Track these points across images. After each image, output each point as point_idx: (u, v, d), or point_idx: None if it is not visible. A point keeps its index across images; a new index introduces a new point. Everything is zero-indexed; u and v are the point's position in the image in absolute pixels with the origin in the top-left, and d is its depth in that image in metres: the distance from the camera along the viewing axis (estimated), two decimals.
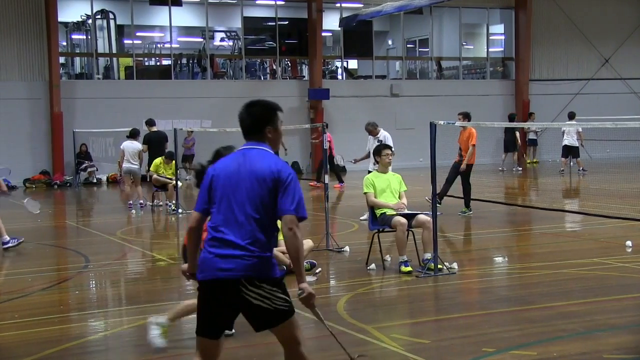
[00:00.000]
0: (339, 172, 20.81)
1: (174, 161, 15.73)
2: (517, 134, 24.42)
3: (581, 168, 21.88)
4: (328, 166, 21.90)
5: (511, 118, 24.95)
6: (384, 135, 13.81)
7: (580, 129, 21.35)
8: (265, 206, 4.15)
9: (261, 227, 4.15)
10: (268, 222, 4.17)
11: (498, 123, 21.55)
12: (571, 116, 22.27)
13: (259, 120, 4.31)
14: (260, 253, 4.14)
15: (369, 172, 13.00)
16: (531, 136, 27.30)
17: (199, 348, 4.26)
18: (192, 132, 22.14)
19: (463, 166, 13.66)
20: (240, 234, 4.12)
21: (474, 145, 13.72)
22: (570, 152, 21.86)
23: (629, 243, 10.22)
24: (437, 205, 13.55)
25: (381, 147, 9.63)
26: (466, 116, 14.06)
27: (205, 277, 4.18)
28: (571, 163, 22.52)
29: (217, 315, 4.20)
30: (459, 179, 13.75)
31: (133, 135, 16.59)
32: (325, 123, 12.19)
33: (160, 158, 15.84)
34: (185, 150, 22.96)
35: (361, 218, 13.22)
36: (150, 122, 17.13)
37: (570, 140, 21.64)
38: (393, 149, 9.84)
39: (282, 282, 4.29)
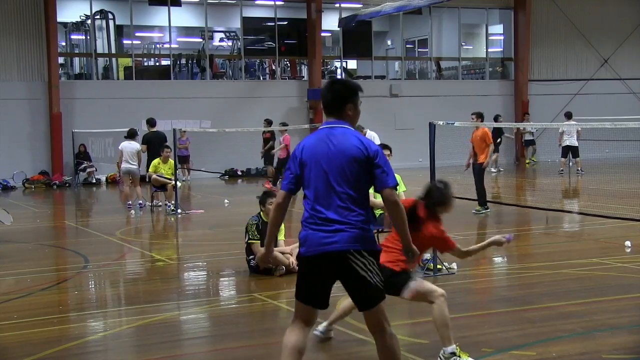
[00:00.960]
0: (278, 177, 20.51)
1: (172, 161, 15.73)
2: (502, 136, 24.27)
3: (579, 168, 21.88)
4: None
5: (495, 119, 24.83)
6: (372, 135, 13.83)
7: (579, 129, 21.34)
8: (358, 183, 4.34)
9: (357, 202, 4.34)
10: (362, 198, 4.36)
11: (498, 123, 21.52)
12: (569, 116, 22.26)
13: (341, 98, 4.48)
14: (362, 225, 4.34)
15: None
16: (527, 137, 27.32)
17: (299, 313, 4.64)
18: (185, 132, 22.03)
19: (485, 163, 13.88)
20: (339, 211, 4.31)
21: (491, 142, 13.85)
22: (570, 152, 21.83)
23: (628, 243, 10.22)
24: (486, 210, 13.83)
25: (381, 147, 9.60)
26: (479, 116, 14.18)
27: (310, 252, 4.39)
28: (570, 163, 22.51)
29: (319, 287, 4.47)
30: (469, 179, 13.86)
31: (131, 135, 16.59)
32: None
33: (158, 159, 15.84)
34: (181, 150, 22.76)
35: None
36: (150, 122, 17.13)
37: (571, 140, 21.62)
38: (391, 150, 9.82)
39: (378, 259, 4.45)
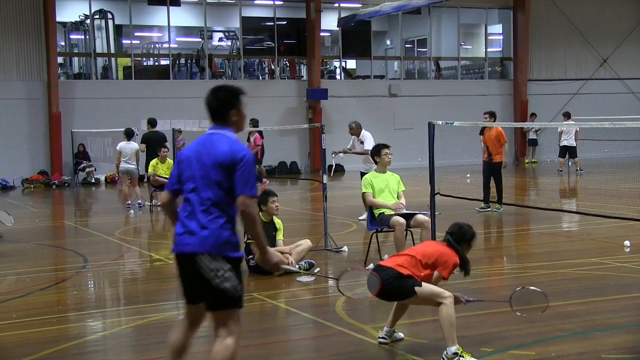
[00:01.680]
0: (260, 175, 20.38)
1: (170, 161, 15.72)
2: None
3: (578, 168, 21.89)
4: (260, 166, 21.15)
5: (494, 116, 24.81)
6: (366, 135, 13.80)
7: (578, 128, 21.35)
8: (222, 188, 4.47)
9: (219, 207, 4.46)
10: (225, 202, 4.47)
11: (497, 123, 21.48)
12: (567, 116, 22.27)
13: (225, 104, 4.68)
14: (221, 230, 4.44)
15: (362, 173, 13.11)
16: (531, 136, 27.32)
17: (185, 312, 4.76)
18: (180, 132, 21.91)
19: (504, 164, 14.02)
20: (200, 214, 4.46)
21: (506, 142, 14.03)
22: (568, 152, 21.85)
23: (627, 243, 10.22)
24: (488, 209, 13.88)
25: (380, 147, 9.58)
26: (492, 115, 14.25)
27: (173, 250, 4.63)
28: (569, 163, 22.52)
29: (188, 285, 4.59)
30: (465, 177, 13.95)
31: (128, 135, 16.57)
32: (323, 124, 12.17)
33: (156, 158, 15.84)
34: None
35: (360, 218, 13.22)
36: (151, 122, 17.13)
37: (569, 140, 21.63)
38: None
39: (238, 265, 4.53)
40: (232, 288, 4.44)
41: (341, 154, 13.99)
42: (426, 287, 5.73)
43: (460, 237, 6.02)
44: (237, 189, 4.44)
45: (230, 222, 4.49)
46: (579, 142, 22.02)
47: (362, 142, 13.79)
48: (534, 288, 6.04)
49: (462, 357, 5.51)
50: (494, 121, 14.29)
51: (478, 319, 6.81)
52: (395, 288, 5.68)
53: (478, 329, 6.46)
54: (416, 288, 5.68)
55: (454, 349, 5.52)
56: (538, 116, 27.87)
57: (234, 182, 4.45)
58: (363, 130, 14.01)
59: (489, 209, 14.13)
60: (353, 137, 14.10)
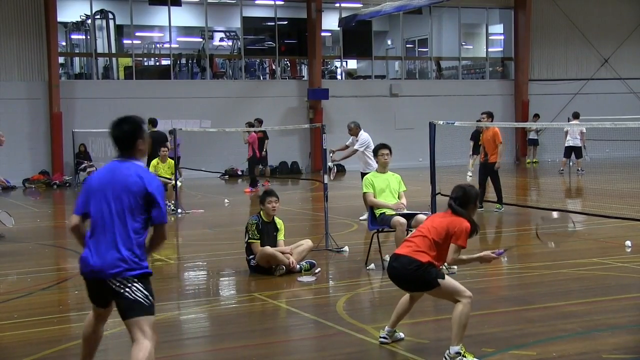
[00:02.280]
0: (255, 176, 20.31)
1: (171, 161, 15.73)
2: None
3: (580, 168, 21.88)
4: (261, 166, 21.26)
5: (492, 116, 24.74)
6: (365, 137, 13.81)
7: (584, 129, 21.35)
8: (133, 213, 4.71)
9: (128, 232, 4.70)
10: (135, 227, 4.72)
11: (497, 123, 21.52)
12: (575, 116, 22.25)
13: (131, 136, 4.90)
14: (129, 254, 4.68)
15: (362, 174, 13.17)
16: (532, 136, 27.32)
17: (93, 308, 5.14)
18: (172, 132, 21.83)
19: (498, 165, 13.99)
20: (110, 239, 4.69)
21: (501, 142, 13.94)
22: (573, 152, 21.84)
23: (628, 243, 10.22)
24: (499, 209, 13.93)
25: (378, 147, 9.58)
26: (490, 115, 14.25)
27: (82, 272, 4.89)
28: (570, 163, 22.51)
29: (97, 296, 4.96)
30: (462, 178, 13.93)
31: None
32: (324, 124, 12.17)
33: (157, 158, 15.84)
34: (171, 152, 22.27)
35: (360, 218, 13.23)
36: (152, 122, 17.13)
37: (574, 140, 21.63)
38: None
39: (147, 279, 4.78)
40: (147, 299, 4.70)
41: (331, 155, 13.97)
42: (450, 281, 5.69)
43: (466, 200, 5.89)
44: (155, 218, 4.74)
45: (138, 245, 4.71)
46: (586, 142, 22.04)
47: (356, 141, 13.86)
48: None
49: (465, 357, 5.50)
50: (492, 121, 14.29)
51: (479, 319, 6.81)
52: (418, 278, 5.65)
53: (479, 329, 6.46)
54: (440, 280, 5.64)
55: (457, 348, 5.53)
56: (539, 116, 27.86)
57: (150, 211, 4.72)
58: (361, 131, 14.02)
59: (482, 209, 14.14)
60: (352, 137, 14.12)
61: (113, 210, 4.70)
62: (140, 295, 4.67)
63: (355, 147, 13.80)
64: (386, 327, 6.11)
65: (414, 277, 5.66)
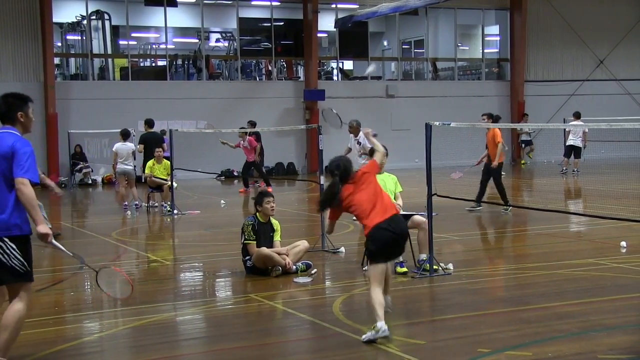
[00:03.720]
0: (247, 178, 20.18)
1: (167, 162, 15.72)
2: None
3: (576, 169, 21.93)
4: (254, 169, 21.08)
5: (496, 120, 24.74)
6: (363, 137, 13.80)
7: (586, 130, 21.40)
8: (4, 176, 5.27)
9: (2, 194, 5.26)
10: (7, 189, 5.27)
11: (493, 124, 21.49)
12: (577, 116, 22.29)
13: (13, 108, 5.45)
14: (3, 215, 5.24)
15: None
16: (523, 137, 27.36)
17: None
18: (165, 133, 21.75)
19: (495, 164, 14.01)
20: None
21: (499, 142, 13.94)
22: (573, 152, 21.91)
23: (623, 244, 10.25)
24: (478, 207, 13.93)
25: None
26: (490, 117, 14.28)
27: None
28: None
29: None
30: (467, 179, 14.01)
31: (125, 136, 16.55)
32: (320, 125, 12.17)
33: (153, 159, 15.82)
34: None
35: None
36: (149, 123, 17.11)
37: (575, 140, 21.69)
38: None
39: (24, 243, 5.32)
40: (21, 265, 5.28)
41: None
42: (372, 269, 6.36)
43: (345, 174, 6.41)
44: (14, 172, 5.23)
45: (10, 206, 5.24)
46: (587, 143, 22.10)
47: (359, 143, 13.79)
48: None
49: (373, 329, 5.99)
50: (492, 122, 14.34)
51: (475, 320, 6.82)
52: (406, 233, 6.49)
53: (475, 330, 6.47)
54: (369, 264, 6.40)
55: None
56: (534, 117, 27.90)
57: (12, 168, 5.23)
58: (362, 131, 13.96)
59: (479, 208, 14.22)
60: (351, 136, 14.09)
61: None
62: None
63: (367, 145, 13.64)
64: (379, 323, 6.01)
65: (405, 233, 6.44)
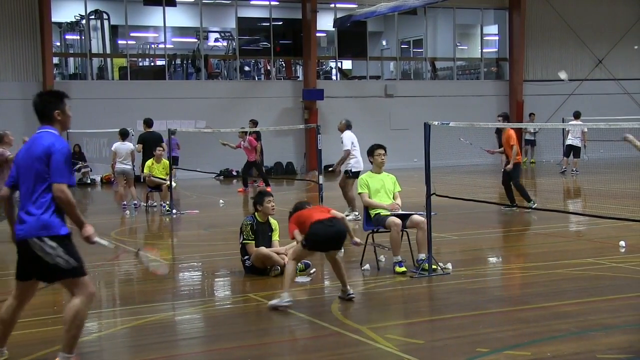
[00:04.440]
0: (247, 177, 20.18)
1: (166, 161, 15.72)
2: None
3: (575, 169, 21.95)
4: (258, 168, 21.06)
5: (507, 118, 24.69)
6: (343, 137, 13.98)
7: (585, 129, 21.41)
8: (42, 178, 5.21)
9: (41, 195, 5.22)
10: (46, 190, 5.22)
11: (492, 124, 21.50)
12: (576, 115, 22.30)
13: (49, 106, 5.40)
14: (44, 215, 5.22)
15: (350, 172, 13.57)
16: (527, 136, 27.37)
17: (17, 290, 5.61)
18: (174, 133, 21.70)
19: (509, 166, 13.93)
20: (28, 204, 5.23)
21: (513, 145, 13.91)
22: (572, 151, 21.92)
23: (622, 243, 10.25)
24: (514, 209, 13.81)
25: (374, 147, 9.57)
26: (506, 118, 14.22)
27: (13, 238, 5.41)
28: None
29: (22, 264, 5.45)
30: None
31: (123, 135, 16.55)
32: (319, 125, 12.18)
33: (152, 159, 15.82)
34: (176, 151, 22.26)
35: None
36: (147, 122, 17.10)
37: (574, 140, 21.71)
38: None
39: (66, 242, 5.27)
40: (65, 262, 5.22)
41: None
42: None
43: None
44: (51, 177, 5.18)
45: (52, 206, 5.23)
46: (587, 143, 22.11)
47: (342, 142, 14.02)
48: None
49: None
50: (507, 123, 14.26)
51: (473, 319, 6.82)
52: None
53: (473, 329, 6.47)
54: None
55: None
56: (534, 115, 27.90)
57: (49, 171, 5.17)
58: (347, 132, 14.07)
59: (516, 208, 14.03)
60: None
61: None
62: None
63: (345, 148, 13.90)
64: (284, 293, 7.25)
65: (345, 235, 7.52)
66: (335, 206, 14.18)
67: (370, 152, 9.54)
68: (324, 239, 7.37)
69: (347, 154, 13.86)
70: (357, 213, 13.40)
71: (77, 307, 5.25)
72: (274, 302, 7.25)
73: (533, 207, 13.57)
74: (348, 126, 14.23)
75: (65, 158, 5.21)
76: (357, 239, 8.00)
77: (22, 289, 5.56)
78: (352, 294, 7.53)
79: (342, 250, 10.29)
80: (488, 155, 16.01)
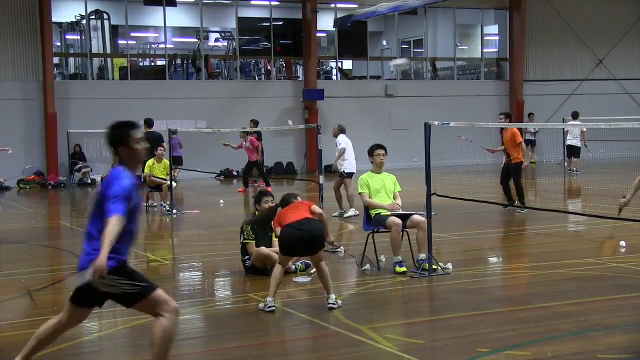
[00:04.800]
0: (247, 177, 20.16)
1: (166, 161, 15.72)
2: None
3: (575, 168, 21.95)
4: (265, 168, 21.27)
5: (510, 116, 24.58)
6: (338, 141, 14.28)
7: (584, 129, 21.41)
8: (98, 216, 4.92)
9: (94, 233, 4.91)
10: (99, 229, 4.84)
11: (492, 123, 21.48)
12: (574, 116, 22.30)
13: (112, 143, 5.05)
14: (93, 254, 4.80)
15: (344, 173, 13.76)
16: (527, 136, 27.35)
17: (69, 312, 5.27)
18: (175, 132, 21.67)
19: (525, 164, 13.92)
20: (87, 241, 5.00)
21: (520, 142, 13.88)
22: (572, 151, 21.92)
23: (622, 243, 10.25)
24: (522, 210, 13.74)
25: (374, 147, 9.57)
26: (507, 116, 14.25)
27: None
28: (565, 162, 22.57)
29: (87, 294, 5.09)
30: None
31: None
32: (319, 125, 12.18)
33: (152, 159, 15.81)
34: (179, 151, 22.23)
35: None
36: (148, 123, 17.11)
37: (573, 140, 21.70)
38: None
39: (120, 271, 4.92)
40: (130, 287, 4.93)
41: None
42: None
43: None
44: (106, 213, 4.78)
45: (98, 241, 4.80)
46: (588, 143, 22.12)
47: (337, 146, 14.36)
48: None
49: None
50: (509, 122, 14.28)
51: (474, 319, 6.82)
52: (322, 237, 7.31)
53: (474, 329, 6.47)
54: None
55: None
56: (534, 115, 27.90)
57: (104, 207, 4.82)
58: (340, 135, 14.35)
59: (514, 207, 13.95)
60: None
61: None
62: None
63: (340, 146, 14.25)
64: (268, 297, 7.18)
65: (322, 237, 7.25)
66: (334, 208, 14.17)
67: (370, 152, 9.55)
68: (293, 243, 7.20)
69: (343, 151, 14.13)
70: (354, 210, 13.61)
71: (163, 325, 4.97)
72: (260, 305, 7.32)
73: (522, 210, 13.64)
74: (341, 130, 14.62)
75: (114, 197, 4.92)
76: (332, 239, 7.74)
77: (78, 314, 5.31)
78: (333, 304, 7.19)
79: (342, 249, 10.32)
80: (488, 154, 15.99)
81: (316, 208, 7.56)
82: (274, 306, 7.17)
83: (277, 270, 7.30)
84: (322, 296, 8.14)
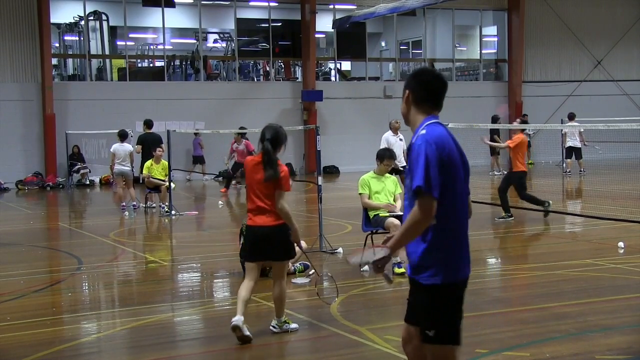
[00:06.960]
0: (231, 178, 19.96)
1: (165, 162, 15.70)
2: (495, 137, 23.43)
3: (582, 169, 22.00)
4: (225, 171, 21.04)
5: (494, 120, 24.47)
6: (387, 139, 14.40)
7: (582, 129, 21.42)
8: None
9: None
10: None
11: (492, 124, 21.57)
12: (571, 117, 22.31)
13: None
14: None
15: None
16: None
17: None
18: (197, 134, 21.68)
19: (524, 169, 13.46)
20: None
21: (507, 145, 13.40)
22: (574, 153, 21.92)
23: (621, 244, 10.25)
24: (509, 218, 13.47)
25: (386, 155, 9.47)
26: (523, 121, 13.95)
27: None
28: (564, 165, 22.57)
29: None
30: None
31: (122, 137, 16.53)
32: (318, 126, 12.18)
33: (150, 160, 15.80)
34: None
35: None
36: (147, 124, 17.09)
37: (573, 141, 21.72)
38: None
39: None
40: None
41: None
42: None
43: (277, 139, 7.12)
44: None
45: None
46: (586, 143, 22.13)
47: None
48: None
49: (289, 323, 6.52)
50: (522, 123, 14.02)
51: (472, 320, 6.82)
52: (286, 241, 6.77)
53: (472, 330, 6.47)
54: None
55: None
56: (532, 118, 27.87)
57: None
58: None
59: (510, 218, 13.35)
60: (390, 133, 14.69)
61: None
62: None
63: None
64: (238, 315, 6.22)
65: (283, 239, 6.60)
66: (332, 209, 14.17)
67: (382, 158, 9.41)
68: (246, 246, 6.64)
69: None
70: None
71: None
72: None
73: (509, 219, 13.29)
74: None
75: None
76: (299, 240, 6.73)
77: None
78: (276, 327, 6.51)
79: (341, 250, 10.32)
80: (488, 154, 15.96)
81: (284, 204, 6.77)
82: (239, 323, 6.21)
83: (243, 287, 6.48)
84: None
